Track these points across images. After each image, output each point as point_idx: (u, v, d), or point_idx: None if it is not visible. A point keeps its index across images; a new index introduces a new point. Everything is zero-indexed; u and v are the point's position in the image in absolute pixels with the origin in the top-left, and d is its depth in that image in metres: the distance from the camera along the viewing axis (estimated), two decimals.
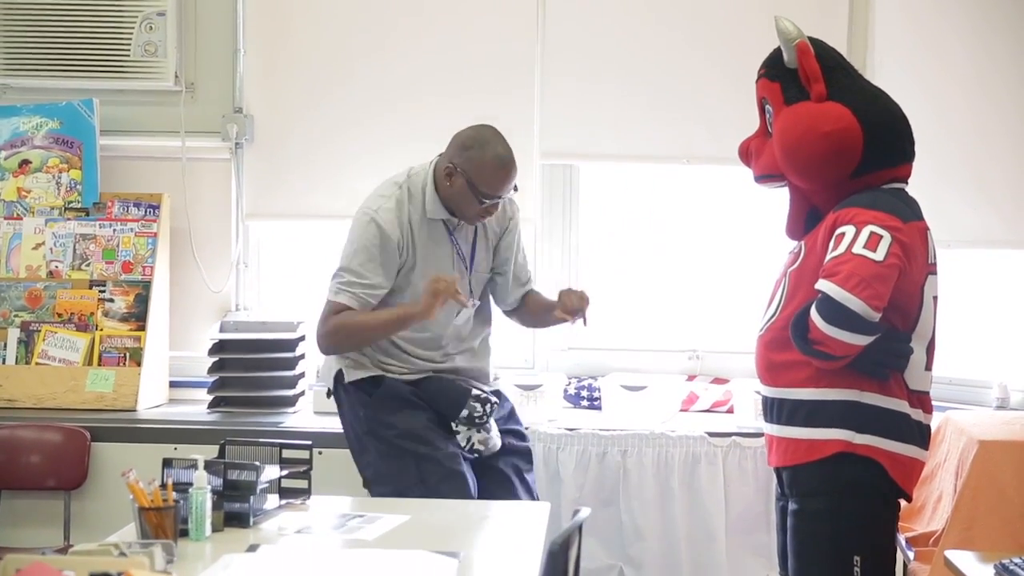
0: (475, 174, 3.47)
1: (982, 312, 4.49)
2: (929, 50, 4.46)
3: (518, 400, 4.26)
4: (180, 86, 4.68)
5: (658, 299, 4.84)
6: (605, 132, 4.63)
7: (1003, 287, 4.49)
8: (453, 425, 3.53)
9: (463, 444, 3.52)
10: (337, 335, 3.53)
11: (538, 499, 3.66)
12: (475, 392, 3.55)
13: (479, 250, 3.66)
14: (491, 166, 3.48)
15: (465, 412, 3.52)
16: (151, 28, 4.64)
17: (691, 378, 4.66)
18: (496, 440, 3.57)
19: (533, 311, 3.83)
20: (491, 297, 3.83)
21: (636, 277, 4.84)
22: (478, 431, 3.53)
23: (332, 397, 3.72)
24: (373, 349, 3.60)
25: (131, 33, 4.64)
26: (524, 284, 3.82)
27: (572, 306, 3.59)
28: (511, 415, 3.76)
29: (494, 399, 3.59)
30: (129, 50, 4.64)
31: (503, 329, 3.88)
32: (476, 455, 3.54)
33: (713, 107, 4.54)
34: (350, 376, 3.61)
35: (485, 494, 3.53)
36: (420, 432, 3.51)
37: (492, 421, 3.58)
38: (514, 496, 3.58)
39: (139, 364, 4.41)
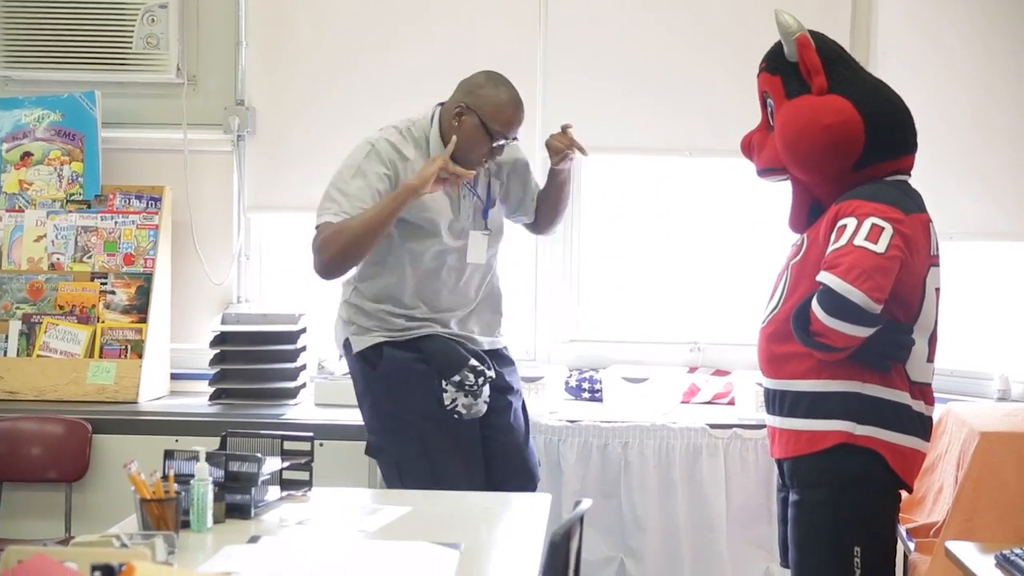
0: (487, 112, 3.49)
1: (983, 304, 4.49)
2: (931, 43, 4.45)
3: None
4: (182, 78, 4.68)
5: (659, 291, 4.84)
6: (607, 125, 4.62)
7: (1004, 279, 4.49)
8: (443, 383, 3.51)
9: (447, 403, 3.50)
10: (329, 248, 3.41)
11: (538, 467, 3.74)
12: (473, 363, 3.53)
13: (492, 192, 3.68)
14: (503, 104, 3.50)
15: (457, 378, 3.51)
16: (153, 20, 4.64)
17: (692, 370, 4.66)
18: (482, 407, 3.53)
19: (546, 203, 3.86)
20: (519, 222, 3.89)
21: (638, 269, 4.84)
22: (465, 396, 3.50)
23: (343, 359, 3.74)
24: (379, 316, 3.57)
25: (133, 25, 4.64)
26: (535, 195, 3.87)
27: (561, 146, 3.66)
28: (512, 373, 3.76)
29: (489, 372, 3.56)
30: (131, 42, 4.65)
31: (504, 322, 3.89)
32: (457, 416, 3.51)
33: (715, 99, 4.54)
34: (356, 346, 3.61)
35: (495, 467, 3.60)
36: (429, 409, 3.51)
37: (485, 389, 3.54)
38: (524, 465, 3.66)
39: (140, 356, 4.42)
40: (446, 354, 3.55)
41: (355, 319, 3.63)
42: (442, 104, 3.61)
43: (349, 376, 3.77)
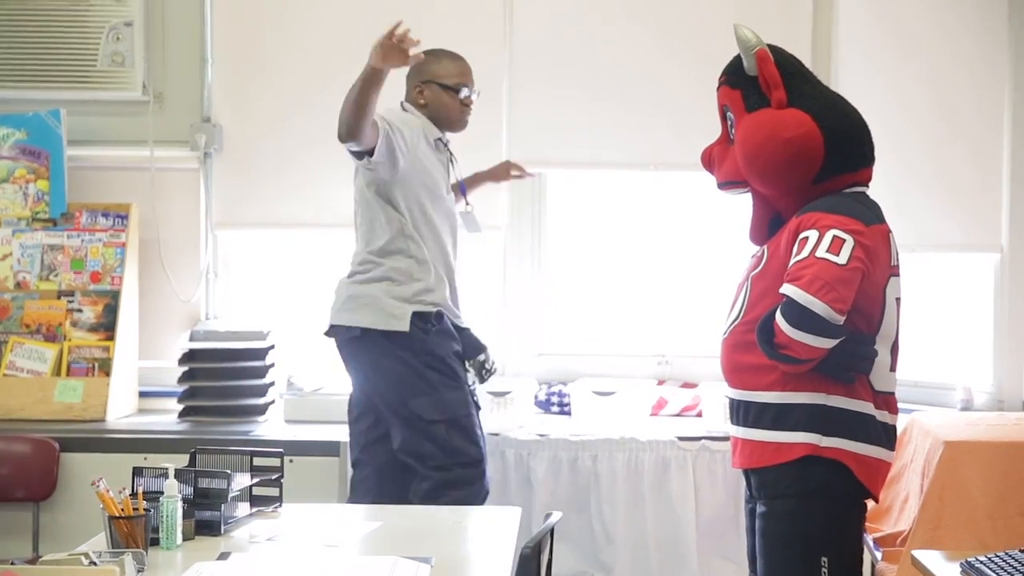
0: (441, 75, 3.83)
1: (947, 315, 4.53)
2: (894, 54, 4.50)
3: (488, 407, 4.28)
4: (148, 96, 4.68)
5: (627, 305, 4.87)
6: (572, 139, 4.66)
7: (967, 290, 4.53)
8: (466, 363, 3.79)
9: (469, 382, 3.79)
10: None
11: None
12: (489, 350, 3.87)
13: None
14: (450, 62, 3.86)
15: (482, 357, 3.82)
16: (118, 38, 4.63)
17: (660, 383, 4.68)
18: (480, 401, 3.84)
19: None
20: None
21: (604, 283, 4.87)
22: (481, 380, 3.83)
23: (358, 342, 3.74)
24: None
25: (98, 43, 4.64)
26: None
27: (506, 174, 4.25)
28: None
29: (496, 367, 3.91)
30: (96, 60, 4.65)
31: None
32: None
33: (680, 114, 4.58)
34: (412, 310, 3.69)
35: None
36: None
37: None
38: None
39: (108, 374, 4.40)
40: (472, 338, 3.84)
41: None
42: (403, 103, 3.87)
43: (349, 363, 3.79)
